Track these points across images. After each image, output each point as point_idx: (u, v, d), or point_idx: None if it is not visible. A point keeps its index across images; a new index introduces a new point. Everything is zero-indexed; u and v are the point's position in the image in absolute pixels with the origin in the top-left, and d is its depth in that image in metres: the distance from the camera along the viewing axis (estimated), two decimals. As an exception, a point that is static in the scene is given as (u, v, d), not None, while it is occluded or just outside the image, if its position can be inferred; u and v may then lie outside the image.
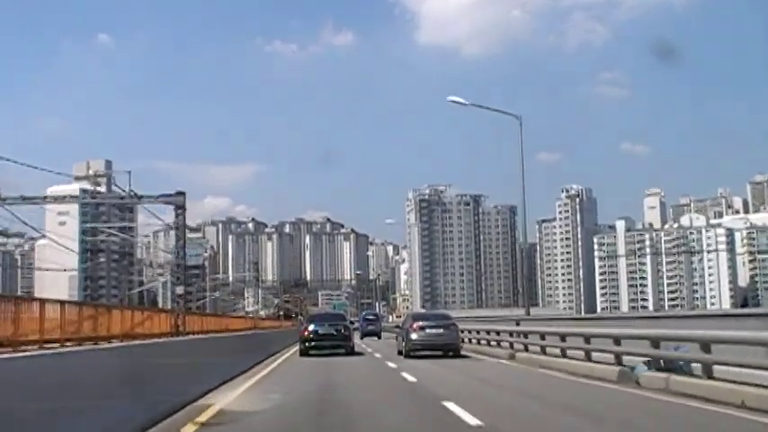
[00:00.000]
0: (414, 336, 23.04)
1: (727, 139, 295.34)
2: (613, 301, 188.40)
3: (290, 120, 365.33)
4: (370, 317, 58.40)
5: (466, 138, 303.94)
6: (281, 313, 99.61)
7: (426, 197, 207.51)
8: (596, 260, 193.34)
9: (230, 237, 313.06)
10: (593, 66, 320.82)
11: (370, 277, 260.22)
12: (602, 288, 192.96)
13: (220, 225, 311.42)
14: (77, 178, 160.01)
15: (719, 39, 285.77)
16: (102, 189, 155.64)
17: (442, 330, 23.29)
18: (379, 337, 48.27)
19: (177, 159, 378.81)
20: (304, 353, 24.93)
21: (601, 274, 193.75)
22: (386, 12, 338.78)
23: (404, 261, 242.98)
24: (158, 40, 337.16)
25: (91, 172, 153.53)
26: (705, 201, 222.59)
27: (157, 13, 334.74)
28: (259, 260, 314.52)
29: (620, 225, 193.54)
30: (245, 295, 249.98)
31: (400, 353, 24.28)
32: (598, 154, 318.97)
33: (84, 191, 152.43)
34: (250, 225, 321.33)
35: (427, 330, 23.18)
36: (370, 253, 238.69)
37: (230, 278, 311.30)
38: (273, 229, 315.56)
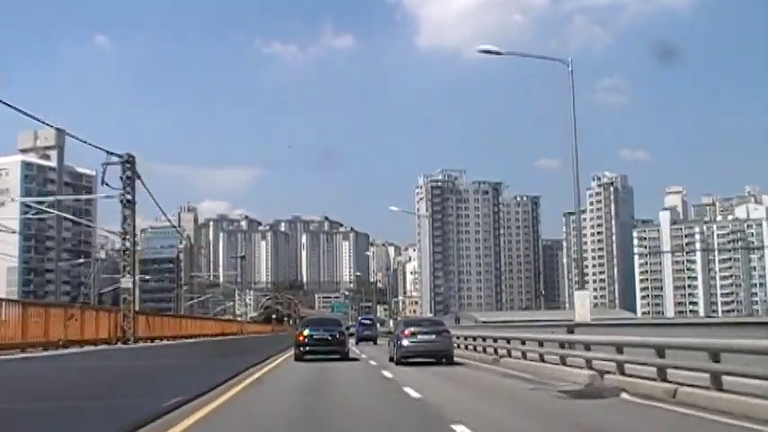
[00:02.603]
0: (405, 342, 22.18)
1: (735, 140, 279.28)
2: (656, 304, 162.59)
3: (290, 122, 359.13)
4: (366, 321, 57.24)
5: (468, 137, 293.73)
6: (258, 314, 76.18)
7: (439, 184, 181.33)
8: (636, 257, 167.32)
9: (221, 235, 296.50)
10: (594, 71, 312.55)
11: (371, 279, 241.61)
12: (643, 290, 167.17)
13: (211, 223, 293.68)
14: (23, 150, 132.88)
15: (723, 40, 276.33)
16: (53, 163, 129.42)
17: (434, 336, 22.41)
18: (375, 343, 47.04)
19: (175, 162, 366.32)
20: (299, 357, 24.40)
21: (641, 273, 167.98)
22: (386, 15, 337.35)
23: (410, 259, 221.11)
24: (156, 42, 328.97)
25: (39, 143, 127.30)
26: (731, 199, 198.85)
27: (155, 14, 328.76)
28: (252, 260, 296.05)
29: (665, 216, 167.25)
30: (235, 297, 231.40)
31: (392, 359, 23.26)
32: (599, 159, 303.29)
33: (27, 164, 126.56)
34: (243, 223, 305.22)
35: (419, 337, 22.27)
36: (369, 253, 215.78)
37: (221, 279, 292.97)
38: (268, 228, 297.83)
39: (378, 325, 65.00)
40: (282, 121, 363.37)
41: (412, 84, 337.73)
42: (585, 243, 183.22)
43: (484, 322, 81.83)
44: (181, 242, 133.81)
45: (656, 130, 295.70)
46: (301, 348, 24.56)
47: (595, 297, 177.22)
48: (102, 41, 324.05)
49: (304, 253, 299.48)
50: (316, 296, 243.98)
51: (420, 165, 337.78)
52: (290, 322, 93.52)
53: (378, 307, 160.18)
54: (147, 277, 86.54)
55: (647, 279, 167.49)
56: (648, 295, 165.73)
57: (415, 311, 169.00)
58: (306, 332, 24.92)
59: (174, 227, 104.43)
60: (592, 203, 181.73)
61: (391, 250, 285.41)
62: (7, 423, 6.26)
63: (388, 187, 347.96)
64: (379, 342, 47.16)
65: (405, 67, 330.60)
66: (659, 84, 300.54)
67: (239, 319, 69.06)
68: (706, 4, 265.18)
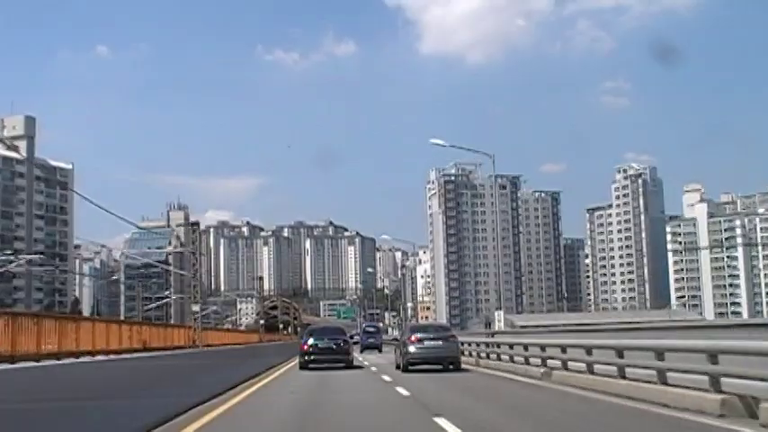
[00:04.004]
0: (412, 348, 21.57)
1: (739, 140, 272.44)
2: (694, 305, 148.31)
3: (293, 129, 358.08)
4: (371, 329, 55.74)
5: (472, 141, 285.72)
6: (255, 322, 63.55)
7: (452, 178, 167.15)
8: (669, 254, 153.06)
9: (222, 241, 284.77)
10: (598, 74, 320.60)
11: (378, 285, 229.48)
12: (678, 289, 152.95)
13: (212, 230, 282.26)
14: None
15: (725, 42, 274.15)
16: (22, 155, 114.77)
17: (441, 342, 21.70)
18: (380, 351, 46.22)
19: (179, 172, 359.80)
20: (304, 366, 24.39)
21: (676, 271, 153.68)
22: (389, 21, 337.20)
23: (420, 263, 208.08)
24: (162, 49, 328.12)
25: (6, 133, 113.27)
26: (753, 196, 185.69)
27: (157, 23, 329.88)
28: (254, 267, 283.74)
29: (701, 209, 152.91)
30: (237, 306, 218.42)
31: (398, 366, 22.66)
32: (605, 163, 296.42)
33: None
34: (245, 229, 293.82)
35: (426, 343, 21.64)
36: (382, 238, 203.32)
37: (222, 287, 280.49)
38: (270, 234, 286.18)
39: (382, 332, 64.04)
40: (286, 127, 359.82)
41: (415, 88, 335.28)
42: (612, 240, 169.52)
43: (522, 327, 68.46)
44: (170, 243, 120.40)
45: (660, 133, 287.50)
46: (306, 357, 24.78)
47: (624, 299, 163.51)
48: (104, 51, 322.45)
49: (308, 259, 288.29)
50: (321, 303, 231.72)
51: (422, 169, 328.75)
52: (288, 330, 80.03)
53: (386, 314, 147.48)
54: (114, 277, 73.19)
55: (683, 278, 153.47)
56: (684, 296, 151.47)
57: (427, 317, 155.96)
58: (310, 341, 25.04)
59: (133, 223, 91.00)
60: (618, 197, 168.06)
61: (398, 255, 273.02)
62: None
63: (394, 192, 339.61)
64: (384, 350, 46.26)
65: (407, 72, 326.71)
66: (662, 86, 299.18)
67: (228, 326, 55.88)
68: (707, 4, 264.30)
